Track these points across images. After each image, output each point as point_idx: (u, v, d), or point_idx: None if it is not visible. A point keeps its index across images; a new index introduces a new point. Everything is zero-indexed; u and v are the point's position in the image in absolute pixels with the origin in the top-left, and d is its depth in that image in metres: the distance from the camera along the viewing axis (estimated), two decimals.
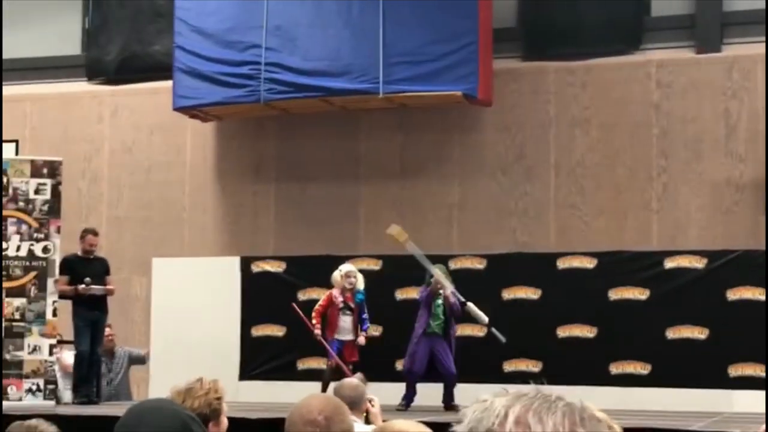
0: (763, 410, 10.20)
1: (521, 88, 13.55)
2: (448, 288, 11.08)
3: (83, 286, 11.53)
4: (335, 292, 11.39)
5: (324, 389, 11.11)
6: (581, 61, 13.42)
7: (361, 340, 11.34)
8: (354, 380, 6.20)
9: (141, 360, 13.27)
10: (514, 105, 13.53)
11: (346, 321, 11.28)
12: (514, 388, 1.53)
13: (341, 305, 11.28)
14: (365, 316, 11.37)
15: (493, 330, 11.21)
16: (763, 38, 12.79)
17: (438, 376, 11.20)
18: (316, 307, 11.40)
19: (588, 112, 13.33)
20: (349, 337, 11.30)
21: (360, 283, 11.46)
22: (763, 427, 4.99)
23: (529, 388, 1.51)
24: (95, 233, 12.07)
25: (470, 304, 11.10)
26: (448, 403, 11.16)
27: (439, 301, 11.21)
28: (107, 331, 12.87)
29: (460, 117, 13.66)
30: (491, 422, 1.45)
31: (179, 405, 2.78)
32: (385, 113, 13.69)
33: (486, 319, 11.17)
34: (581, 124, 13.33)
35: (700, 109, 12.99)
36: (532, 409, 1.45)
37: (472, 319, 11.43)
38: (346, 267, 11.59)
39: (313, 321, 11.32)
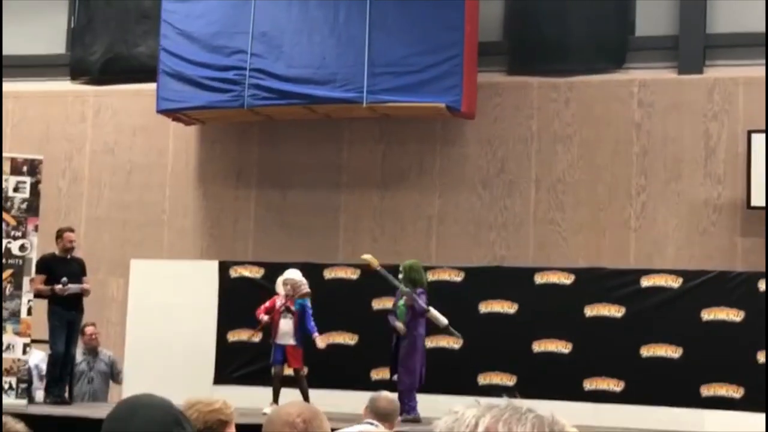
0: (734, 431, 10.27)
1: (504, 102, 13.60)
2: (418, 300, 11.15)
3: (60, 286, 11.50)
4: (278, 297, 11.42)
5: (275, 396, 11.08)
6: (565, 77, 13.49)
7: (320, 343, 11.20)
8: (391, 394, 6.17)
9: (118, 378, 13.17)
10: (496, 119, 13.58)
11: (286, 324, 11.25)
12: (486, 401, 1.55)
13: (282, 309, 11.29)
14: (310, 323, 11.22)
15: (451, 329, 11.30)
16: (745, 61, 12.90)
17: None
18: (260, 306, 11.44)
19: (570, 129, 13.39)
20: (291, 341, 11.25)
21: (302, 290, 11.35)
22: None
23: (500, 401, 1.53)
24: (72, 230, 12.05)
25: (432, 310, 11.16)
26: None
27: (401, 302, 11.23)
28: (91, 329, 12.88)
29: (443, 129, 13.71)
30: (461, 431, 1.47)
31: (170, 401, 2.78)
32: (368, 123, 13.72)
33: (445, 321, 11.21)
34: (563, 141, 13.39)
35: (681, 129, 13.08)
36: (502, 420, 1.47)
37: (441, 329, 11.47)
38: (287, 274, 11.54)
39: (258, 315, 11.36)
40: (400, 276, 11.27)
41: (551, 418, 1.49)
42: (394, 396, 6.08)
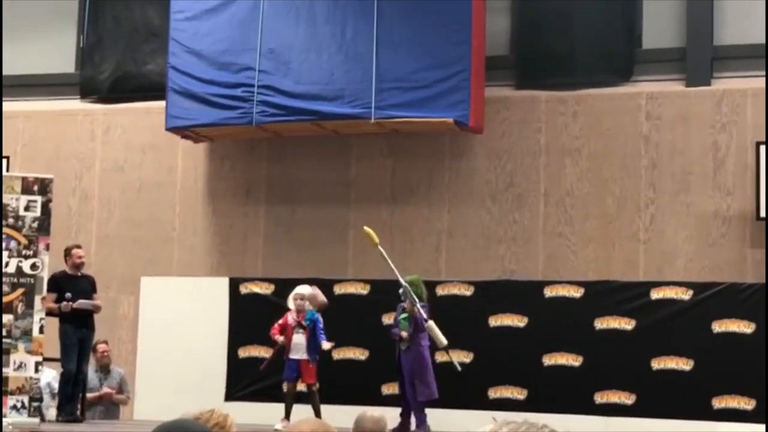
0: None
1: (512, 116, 13.62)
2: (416, 303, 10.99)
3: (65, 303, 11.55)
4: (290, 313, 11.44)
5: (288, 412, 11.08)
6: (573, 91, 13.51)
7: (325, 345, 11.21)
8: (377, 413, 6.13)
9: (124, 401, 13.22)
10: (504, 133, 13.60)
11: (299, 339, 11.26)
12: (503, 418, 1.57)
13: (294, 324, 11.31)
14: (322, 335, 11.23)
15: (450, 356, 11.14)
16: (753, 72, 12.90)
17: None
18: (274, 325, 11.43)
19: (578, 142, 13.40)
20: (304, 356, 11.26)
21: (309, 304, 11.38)
22: None
23: (517, 417, 1.55)
24: (79, 246, 12.11)
25: (431, 323, 10.99)
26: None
27: (403, 316, 11.15)
28: (103, 347, 12.92)
29: (451, 144, 13.73)
30: None
31: (201, 427, 2.79)
32: (376, 138, 13.75)
33: (444, 342, 11.01)
34: (571, 154, 13.40)
35: (689, 141, 13.08)
36: None
37: (451, 337, 11.39)
38: (297, 289, 11.58)
39: (273, 335, 11.36)
40: (403, 298, 11.16)
41: None
42: (381, 415, 6.02)
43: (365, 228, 11.39)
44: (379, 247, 11.17)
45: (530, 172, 13.50)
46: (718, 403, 11.94)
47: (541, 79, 13.66)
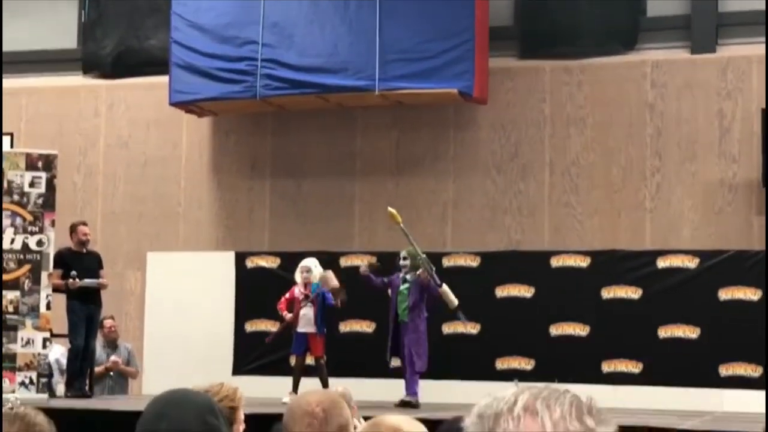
0: (753, 410, 10.27)
1: (517, 86, 13.59)
2: (432, 270, 11.18)
3: (71, 280, 11.57)
4: (296, 286, 11.46)
5: (295, 385, 11.12)
6: (577, 60, 13.46)
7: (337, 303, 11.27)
8: (340, 387, 6.15)
9: (133, 373, 13.28)
10: (509, 103, 13.57)
11: (307, 312, 11.29)
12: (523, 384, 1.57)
13: (301, 297, 11.33)
14: (330, 300, 11.26)
15: (459, 312, 11.26)
16: (758, 39, 12.84)
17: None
18: (281, 299, 11.46)
19: (583, 112, 13.37)
20: (312, 329, 11.29)
21: (315, 276, 11.42)
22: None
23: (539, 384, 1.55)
24: (85, 223, 12.12)
25: (445, 287, 11.14)
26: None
27: (405, 285, 11.23)
28: (110, 322, 12.98)
29: (456, 115, 13.70)
30: (500, 408, 1.49)
31: (203, 396, 2.79)
32: (380, 110, 13.72)
33: (456, 302, 11.17)
34: (576, 123, 13.37)
35: (695, 109, 13.04)
36: (540, 398, 1.50)
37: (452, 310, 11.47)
38: (303, 262, 11.61)
39: (280, 310, 11.39)
40: (404, 262, 11.27)
41: (589, 401, 1.51)
42: (345, 388, 6.07)
43: (389, 209, 11.48)
44: (401, 225, 11.26)
45: (535, 143, 13.47)
46: (725, 370, 11.96)
47: (545, 49, 13.61)
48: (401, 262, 11.30)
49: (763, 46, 12.73)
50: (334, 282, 11.31)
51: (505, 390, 1.53)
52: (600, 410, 1.50)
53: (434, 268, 11.31)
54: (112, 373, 13.04)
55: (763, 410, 9.25)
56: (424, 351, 11.16)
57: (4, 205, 11.57)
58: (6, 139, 14.42)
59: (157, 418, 2.68)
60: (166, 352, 13.43)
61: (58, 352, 12.58)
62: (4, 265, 11.52)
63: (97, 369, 12.57)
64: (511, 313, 12.56)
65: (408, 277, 11.25)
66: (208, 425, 2.68)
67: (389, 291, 11.43)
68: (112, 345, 13.12)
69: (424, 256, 11.25)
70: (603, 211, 13.17)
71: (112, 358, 12.97)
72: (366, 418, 2.78)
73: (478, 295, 12.45)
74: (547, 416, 1.47)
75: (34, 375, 11.50)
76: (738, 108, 12.87)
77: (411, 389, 11.08)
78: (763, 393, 11.15)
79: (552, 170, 13.39)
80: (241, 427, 4.59)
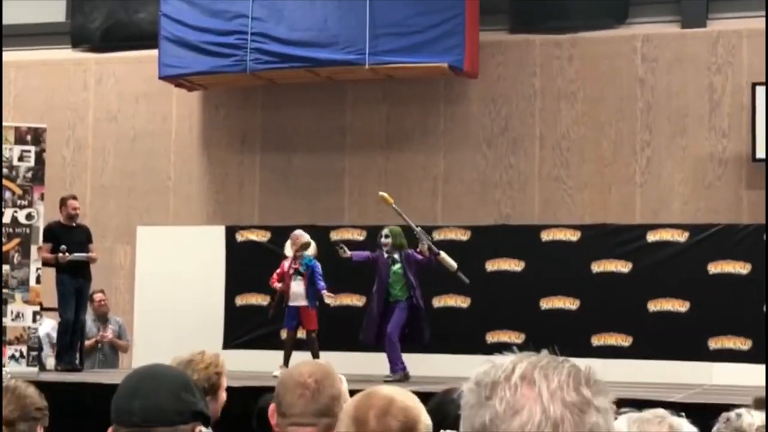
0: (742, 383, 10.32)
1: (507, 60, 13.56)
2: (430, 242, 11.21)
3: (61, 254, 11.56)
4: (286, 260, 11.43)
5: (287, 359, 11.12)
6: (568, 34, 13.44)
7: (328, 299, 11.24)
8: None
9: (124, 347, 13.29)
10: (499, 77, 13.55)
11: (298, 286, 11.26)
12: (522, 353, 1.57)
13: (292, 271, 11.30)
14: (320, 282, 11.25)
15: (459, 273, 11.28)
16: (748, 13, 12.83)
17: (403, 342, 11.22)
18: (273, 275, 11.43)
19: (573, 86, 13.36)
20: (303, 303, 11.27)
21: (310, 250, 11.40)
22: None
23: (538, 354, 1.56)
24: (74, 197, 12.10)
25: (443, 253, 11.16)
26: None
27: (397, 266, 11.23)
28: (100, 296, 12.99)
29: (446, 89, 13.68)
30: (498, 375, 1.50)
31: (177, 372, 2.76)
32: (371, 84, 13.70)
33: (455, 266, 11.20)
34: (567, 98, 13.36)
35: (685, 83, 13.04)
36: (539, 366, 1.50)
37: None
38: (296, 233, 11.57)
39: (272, 284, 11.37)
40: (386, 240, 11.23)
41: (588, 370, 1.52)
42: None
43: (380, 193, 11.48)
44: (394, 206, 11.25)
45: (525, 117, 13.46)
46: (714, 343, 12.01)
47: (535, 23, 13.59)
48: (383, 240, 11.27)
49: (753, 20, 12.73)
50: (304, 239, 11.30)
51: (504, 357, 1.53)
52: (598, 381, 1.50)
53: (431, 238, 11.33)
54: (102, 347, 13.06)
55: (752, 383, 9.30)
56: (423, 325, 11.23)
57: None
58: None
59: (130, 396, 2.66)
60: (156, 326, 13.43)
61: (48, 326, 12.59)
62: None
63: (88, 342, 12.58)
64: (501, 287, 12.58)
65: (396, 256, 11.24)
66: (184, 402, 2.66)
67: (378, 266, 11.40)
68: (102, 319, 13.13)
69: (419, 228, 11.25)
70: (593, 185, 13.18)
71: (102, 333, 12.98)
72: (353, 392, 2.78)
73: (468, 269, 12.44)
74: (545, 386, 1.47)
75: (24, 348, 11.50)
76: (728, 82, 12.87)
77: (398, 365, 11.06)
78: (752, 366, 11.21)
79: (542, 144, 13.39)
80: (224, 394, 4.63)
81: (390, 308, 11.22)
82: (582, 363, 1.54)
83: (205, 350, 4.61)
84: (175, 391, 2.67)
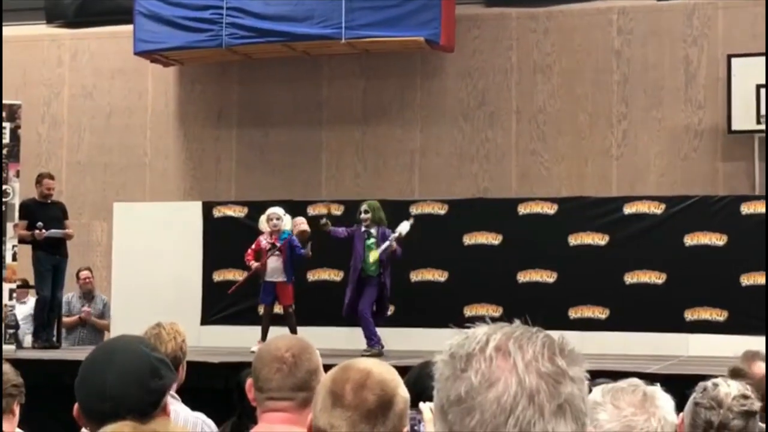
0: (718, 354, 10.38)
1: (483, 34, 13.55)
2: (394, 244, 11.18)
3: (38, 231, 11.50)
4: (263, 236, 11.38)
5: (264, 334, 11.10)
6: (543, 7, 13.43)
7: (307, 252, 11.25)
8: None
9: (105, 326, 13.27)
10: (476, 51, 13.54)
11: (274, 261, 11.23)
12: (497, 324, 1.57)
13: (269, 246, 11.26)
14: (300, 250, 11.21)
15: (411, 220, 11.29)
16: None
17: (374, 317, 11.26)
18: (248, 251, 11.37)
19: (550, 59, 13.36)
20: (281, 278, 11.24)
21: (286, 224, 11.36)
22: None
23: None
24: (51, 177, 12.02)
25: (399, 232, 11.14)
26: None
27: (371, 240, 11.21)
28: (85, 273, 12.97)
29: (423, 63, 13.66)
30: (472, 347, 1.50)
31: (141, 353, 2.69)
32: (347, 59, 13.66)
33: (406, 226, 11.20)
34: (543, 71, 13.37)
35: (661, 56, 13.06)
36: (513, 338, 1.50)
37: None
38: (269, 210, 11.52)
39: (248, 261, 11.33)
40: (366, 215, 11.20)
41: (561, 340, 1.52)
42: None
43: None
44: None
45: (502, 90, 13.46)
46: (691, 315, 12.07)
47: None
48: (362, 216, 11.26)
49: None
50: (305, 226, 11.27)
51: (478, 329, 1.54)
52: (572, 351, 1.51)
53: (382, 226, 11.26)
54: (85, 324, 13.02)
55: (728, 354, 9.36)
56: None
57: None
58: None
59: (99, 396, 2.60)
60: (133, 303, 13.37)
61: (31, 306, 12.51)
62: None
63: (70, 319, 12.54)
64: (478, 261, 12.59)
65: (372, 231, 11.23)
66: (154, 392, 2.62)
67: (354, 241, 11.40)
68: (88, 296, 13.11)
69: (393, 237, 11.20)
70: (570, 158, 13.21)
71: (84, 308, 12.94)
72: (328, 368, 2.77)
73: (446, 242, 12.47)
74: (520, 357, 1.47)
75: (2, 326, 11.44)
76: (704, 54, 12.90)
77: (375, 339, 11.10)
78: (728, 337, 11.28)
79: (519, 118, 13.40)
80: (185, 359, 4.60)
81: (363, 283, 11.23)
82: (556, 334, 1.55)
83: (161, 321, 4.62)
84: (144, 381, 2.62)
